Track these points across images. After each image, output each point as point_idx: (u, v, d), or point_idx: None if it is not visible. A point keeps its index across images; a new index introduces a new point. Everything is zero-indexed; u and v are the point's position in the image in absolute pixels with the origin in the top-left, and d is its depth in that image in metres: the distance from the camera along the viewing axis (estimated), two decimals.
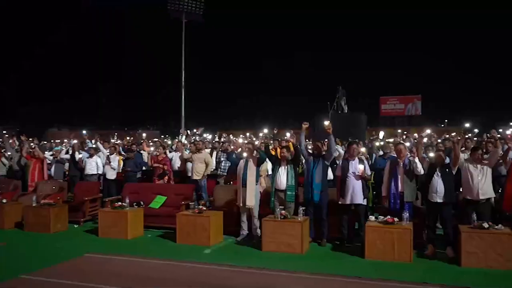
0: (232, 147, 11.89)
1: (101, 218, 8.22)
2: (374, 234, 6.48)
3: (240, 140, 11.45)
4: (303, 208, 7.14)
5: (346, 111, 24.36)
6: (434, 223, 6.82)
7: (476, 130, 20.20)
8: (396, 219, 6.54)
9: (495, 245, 5.95)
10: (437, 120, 41.48)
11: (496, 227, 6.12)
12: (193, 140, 13.61)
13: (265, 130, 15.25)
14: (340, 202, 7.33)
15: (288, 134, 11.39)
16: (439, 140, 11.04)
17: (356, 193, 7.19)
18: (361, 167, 7.18)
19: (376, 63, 41.53)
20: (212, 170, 10.92)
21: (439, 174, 6.65)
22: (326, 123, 7.54)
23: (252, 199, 7.72)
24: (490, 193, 6.59)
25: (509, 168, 6.57)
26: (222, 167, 11.15)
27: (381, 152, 9.61)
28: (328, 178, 7.89)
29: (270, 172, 9.05)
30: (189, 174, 10.62)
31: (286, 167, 7.63)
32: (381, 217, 6.74)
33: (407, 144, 7.38)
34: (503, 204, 6.63)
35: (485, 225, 6.12)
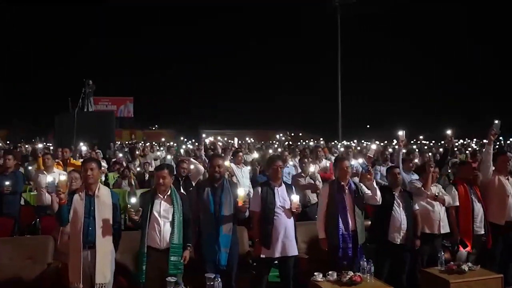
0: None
1: None
2: None
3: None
4: (213, 276, 4.04)
5: (93, 109, 20.33)
6: (389, 272, 4.97)
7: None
8: (360, 274, 4.36)
9: None
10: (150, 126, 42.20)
11: (473, 267, 4.75)
12: None
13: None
14: (262, 256, 4.58)
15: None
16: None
17: (289, 239, 4.59)
18: (294, 198, 4.61)
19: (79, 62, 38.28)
20: None
21: (400, 203, 4.85)
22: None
23: (106, 272, 4.07)
24: (447, 225, 5.21)
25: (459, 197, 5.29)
26: None
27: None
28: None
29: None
30: None
31: (171, 205, 4.28)
32: (332, 273, 4.42)
33: (360, 160, 5.21)
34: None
35: (465, 267, 4.66)
